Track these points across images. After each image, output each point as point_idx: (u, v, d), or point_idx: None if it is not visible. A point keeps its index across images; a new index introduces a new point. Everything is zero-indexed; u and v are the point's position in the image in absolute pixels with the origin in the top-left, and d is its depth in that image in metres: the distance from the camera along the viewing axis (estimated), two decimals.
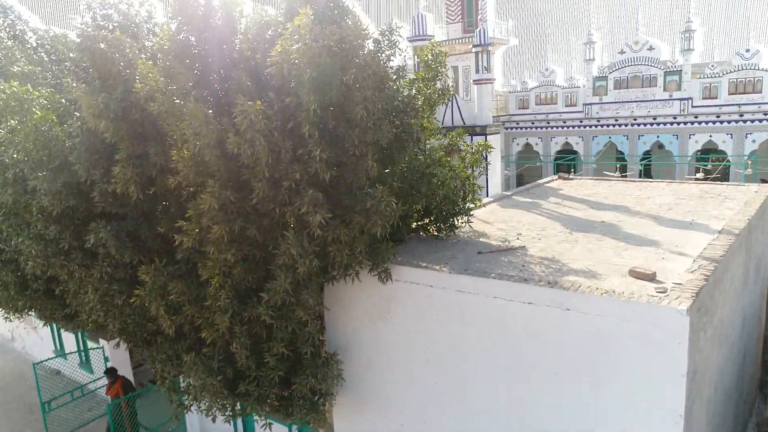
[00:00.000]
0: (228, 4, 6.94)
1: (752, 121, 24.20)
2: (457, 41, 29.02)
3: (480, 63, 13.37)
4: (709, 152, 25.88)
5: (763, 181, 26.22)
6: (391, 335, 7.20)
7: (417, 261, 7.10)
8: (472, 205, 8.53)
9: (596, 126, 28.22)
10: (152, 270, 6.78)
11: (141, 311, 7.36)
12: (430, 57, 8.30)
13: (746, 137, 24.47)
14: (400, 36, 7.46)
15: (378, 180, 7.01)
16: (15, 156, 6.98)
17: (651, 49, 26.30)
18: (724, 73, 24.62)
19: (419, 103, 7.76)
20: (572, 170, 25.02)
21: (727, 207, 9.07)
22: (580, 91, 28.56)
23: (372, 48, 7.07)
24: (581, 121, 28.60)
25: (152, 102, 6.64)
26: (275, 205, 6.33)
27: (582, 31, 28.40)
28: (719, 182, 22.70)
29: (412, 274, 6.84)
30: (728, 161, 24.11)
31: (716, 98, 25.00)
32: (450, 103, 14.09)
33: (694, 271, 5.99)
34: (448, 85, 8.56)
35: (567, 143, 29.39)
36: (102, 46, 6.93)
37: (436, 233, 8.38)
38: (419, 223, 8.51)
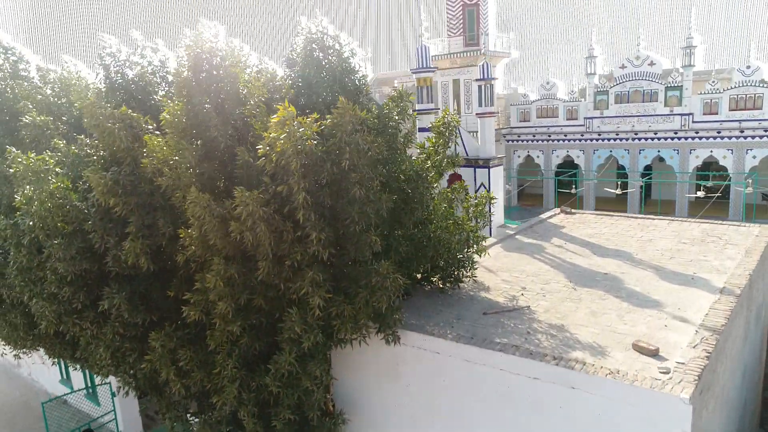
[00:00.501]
0: (233, 76, 7.04)
1: (753, 137, 24.28)
2: (458, 55, 29.13)
3: (483, 96, 13.44)
4: (710, 167, 25.98)
5: (765, 196, 26.39)
6: (397, 397, 7.32)
7: (424, 322, 7.21)
8: (476, 257, 8.61)
9: (597, 140, 28.30)
10: (162, 336, 6.89)
11: (151, 373, 7.48)
12: (442, 124, 8.36)
13: (747, 153, 24.56)
14: (410, 102, 7.57)
15: (385, 244, 7.12)
16: (31, 223, 7.09)
17: (652, 64, 26.37)
18: (725, 89, 24.69)
19: (430, 172, 7.81)
20: (573, 186, 25.12)
21: (728, 256, 9.17)
22: (581, 105, 28.64)
23: (375, 120, 7.20)
24: (582, 135, 28.69)
25: (160, 176, 6.78)
26: (279, 281, 6.45)
27: (583, 45, 28.43)
28: (720, 198, 22.79)
29: (420, 340, 6.95)
30: (729, 179, 24.18)
31: (717, 114, 25.09)
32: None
33: (696, 346, 6.10)
34: (457, 154, 8.62)
35: (568, 156, 29.48)
36: (109, 124, 7.04)
37: (441, 286, 8.48)
38: (424, 274, 8.61)
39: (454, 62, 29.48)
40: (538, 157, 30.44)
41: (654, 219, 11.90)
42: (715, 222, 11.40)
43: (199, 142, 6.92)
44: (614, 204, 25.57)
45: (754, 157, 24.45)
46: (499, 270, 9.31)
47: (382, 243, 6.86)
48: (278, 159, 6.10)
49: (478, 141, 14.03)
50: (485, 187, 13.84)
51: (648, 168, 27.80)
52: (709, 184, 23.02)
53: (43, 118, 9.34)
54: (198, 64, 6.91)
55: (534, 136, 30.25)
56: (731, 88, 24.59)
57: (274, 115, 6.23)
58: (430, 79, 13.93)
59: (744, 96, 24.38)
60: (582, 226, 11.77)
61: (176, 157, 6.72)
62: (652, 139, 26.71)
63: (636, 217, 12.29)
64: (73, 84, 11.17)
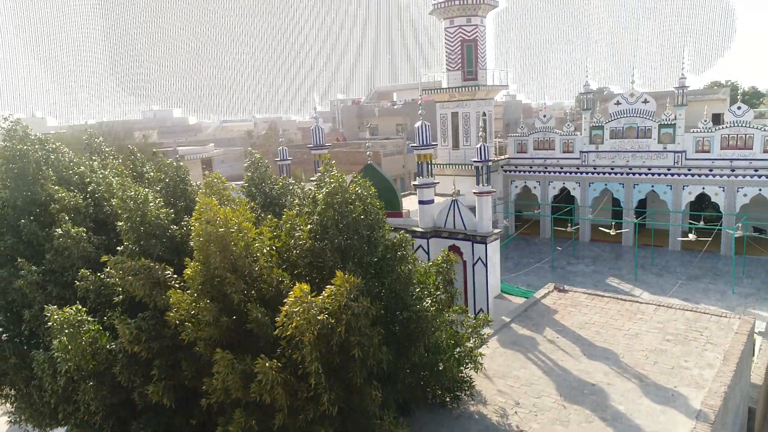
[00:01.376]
0: (243, 238, 7.69)
1: (743, 175, 24.93)
2: (456, 90, 29.71)
3: (480, 177, 14.09)
4: (702, 201, 26.63)
5: (756, 230, 27.10)
6: None
7: None
8: (473, 373, 9.26)
9: (593, 173, 28.94)
10: None
11: None
12: (444, 262, 8.93)
13: (738, 191, 25.22)
14: (410, 245, 8.22)
15: (391, 371, 7.81)
16: (67, 366, 7.78)
17: (646, 102, 26.98)
18: (717, 128, 25.33)
19: (431, 309, 8.42)
20: (569, 225, 25.78)
21: (707, 362, 9.87)
22: (577, 139, 29.26)
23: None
24: (578, 168, 29.33)
25: (182, 327, 7.49)
26: (294, 430, 7.18)
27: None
28: (711, 237, 23.39)
29: None
30: (721, 222, 24.84)
31: (709, 152, 25.74)
32: (451, 207, 14.81)
33: None
34: (456, 290, 9.20)
35: (564, 188, 30.11)
36: (130, 278, 7.73)
37: (443, 398, 9.17)
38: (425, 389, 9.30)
39: (453, 96, 30.05)
40: (535, 187, 31.08)
41: (641, 304, 12.60)
42: (698, 310, 12.09)
43: (213, 299, 7.60)
44: (610, 238, 26.24)
45: (745, 195, 25.10)
46: (495, 375, 10.02)
47: (388, 370, 7.57)
48: (294, 331, 6.82)
49: (475, 216, 14.72)
50: (482, 262, 14.54)
51: (643, 201, 28.46)
52: (701, 224, 23.70)
53: (77, 230, 9.91)
54: (209, 237, 7.54)
55: (531, 167, 30.88)
56: (722, 127, 25.23)
57: (291, 291, 6.94)
58: (430, 155, 14.58)
59: (735, 135, 25.02)
60: (574, 312, 12.47)
61: (197, 315, 7.41)
62: (646, 174, 27.36)
63: (624, 300, 12.97)
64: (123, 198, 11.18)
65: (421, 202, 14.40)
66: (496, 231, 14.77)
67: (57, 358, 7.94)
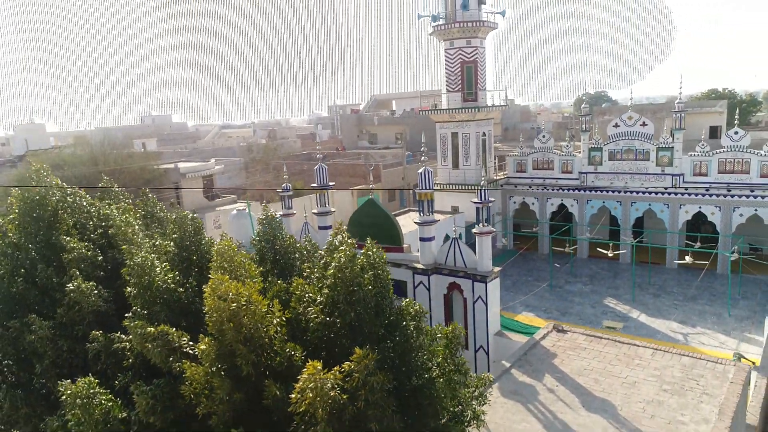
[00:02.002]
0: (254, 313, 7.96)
1: (740, 196, 25.25)
2: (456, 111, 30.03)
3: (480, 217, 14.38)
4: (699, 220, 26.91)
5: (752, 248, 27.44)
6: None
7: None
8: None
9: (591, 191, 29.25)
10: None
11: None
12: (451, 334, 9.14)
13: (734, 211, 25.55)
14: (425, 316, 8.51)
15: None
16: None
17: (644, 125, 27.30)
18: (714, 152, 25.65)
19: (441, 377, 8.65)
20: (567, 245, 26.05)
21: (703, 417, 10.17)
22: (575, 160, 29.58)
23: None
24: (576, 189, 29.63)
25: (197, 401, 7.75)
26: None
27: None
28: (706, 261, 23.71)
29: None
30: (716, 247, 25.16)
31: (707, 175, 26.05)
32: (451, 245, 15.10)
33: None
34: (464, 361, 9.34)
35: (562, 204, 30.42)
36: (148, 345, 8.01)
37: None
38: None
39: (453, 117, 30.39)
40: (533, 204, 31.38)
41: (638, 347, 12.90)
42: (695, 356, 12.40)
43: (226, 373, 7.87)
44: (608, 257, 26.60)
45: (741, 215, 25.43)
46: (496, 430, 10.31)
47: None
48: (307, 407, 7.09)
49: (476, 255, 15.01)
50: (483, 300, 14.83)
51: (640, 219, 28.79)
52: (697, 245, 24.02)
53: (86, 285, 10.20)
54: (221, 314, 7.81)
55: (530, 186, 31.18)
56: (720, 151, 25.54)
57: (304, 370, 7.21)
58: (431, 194, 14.85)
59: (732, 160, 25.35)
60: (573, 356, 12.76)
61: (211, 392, 7.69)
62: (644, 192, 27.67)
63: (622, 343, 13.27)
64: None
65: (422, 239, 14.70)
66: (497, 269, 15.06)
67: (71, 428, 8.21)
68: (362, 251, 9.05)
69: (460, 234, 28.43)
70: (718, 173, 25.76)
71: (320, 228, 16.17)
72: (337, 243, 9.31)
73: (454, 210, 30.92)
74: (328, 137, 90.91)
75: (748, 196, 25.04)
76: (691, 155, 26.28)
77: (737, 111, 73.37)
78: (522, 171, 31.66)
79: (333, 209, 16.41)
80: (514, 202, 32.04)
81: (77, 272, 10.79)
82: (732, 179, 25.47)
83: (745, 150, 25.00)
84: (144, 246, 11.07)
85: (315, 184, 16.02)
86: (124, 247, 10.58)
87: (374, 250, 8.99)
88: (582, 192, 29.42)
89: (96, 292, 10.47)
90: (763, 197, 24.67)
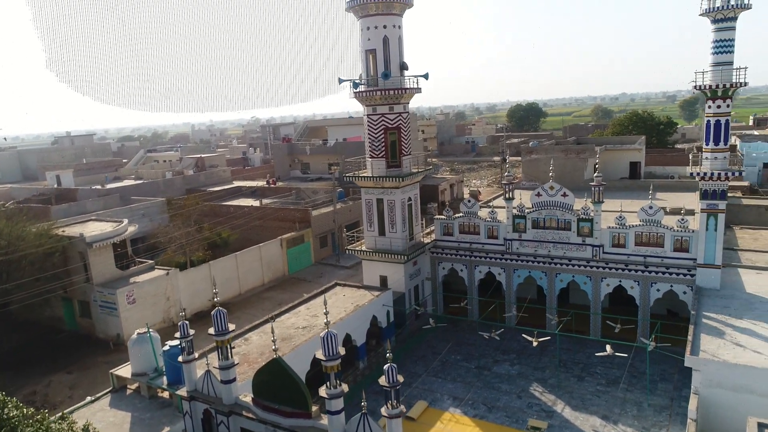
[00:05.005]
0: None
1: (656, 272, 25.79)
2: (381, 179, 29.19)
3: (390, 399, 13.19)
4: (620, 292, 27.28)
5: (669, 312, 28.15)
6: None
7: None
8: None
9: (517, 260, 29.20)
10: None
11: None
12: None
13: (651, 286, 26.08)
14: None
15: None
16: None
17: (565, 195, 27.42)
18: (631, 226, 26.07)
19: None
20: (493, 330, 25.70)
21: None
22: (501, 226, 29.44)
23: None
24: (503, 255, 29.52)
25: None
26: None
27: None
28: (626, 354, 23.95)
29: None
30: (636, 325, 25.57)
31: (625, 247, 26.46)
32: (361, 420, 13.76)
33: None
34: None
35: (490, 272, 30.25)
36: None
37: None
38: None
39: (378, 183, 29.53)
40: (461, 270, 31.05)
41: None
42: None
43: None
44: (537, 322, 26.51)
45: (658, 290, 26.00)
46: None
47: None
48: None
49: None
50: None
51: (565, 290, 29.03)
52: (617, 330, 24.26)
53: None
54: None
55: (457, 251, 30.82)
56: (636, 225, 25.98)
57: None
58: (337, 366, 13.58)
59: (648, 233, 25.84)
60: None
61: None
62: (567, 264, 27.85)
63: None
64: None
65: (329, 412, 13.49)
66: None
67: None
68: None
69: (388, 312, 28.11)
70: (635, 245, 26.22)
71: (223, 382, 14.75)
72: None
73: (383, 282, 30.10)
74: (261, 162, 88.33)
75: (664, 273, 25.58)
76: (609, 228, 26.63)
77: (655, 134, 76.72)
78: (449, 234, 31.26)
79: (236, 361, 14.99)
80: (443, 268, 31.62)
81: None
82: (648, 251, 25.98)
83: (659, 225, 25.53)
84: None
85: (212, 332, 14.53)
86: None
87: None
88: (509, 261, 29.33)
89: None
90: (677, 274, 25.26)
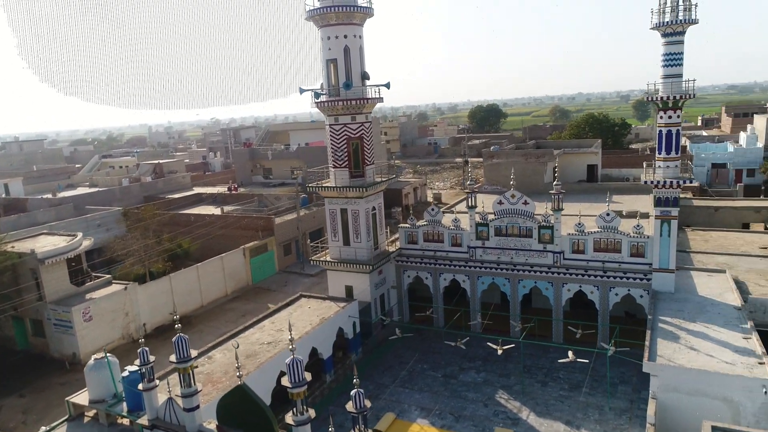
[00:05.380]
0: None
1: (614, 277, 26.55)
2: (344, 189, 29.07)
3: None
4: (581, 297, 27.95)
5: (627, 314, 28.99)
6: None
7: None
8: None
9: (480, 267, 29.57)
10: None
11: None
12: None
13: (610, 290, 26.83)
14: None
15: None
16: None
17: (526, 203, 27.91)
18: (589, 233, 26.74)
19: None
20: (459, 339, 25.95)
21: None
22: (464, 234, 29.73)
23: None
24: (467, 262, 29.83)
25: None
26: None
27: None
28: (586, 360, 24.56)
29: None
30: (597, 330, 26.28)
31: (584, 253, 27.13)
32: None
33: None
34: None
35: (455, 280, 30.53)
36: None
37: None
38: None
39: (341, 193, 29.40)
40: (426, 278, 31.25)
41: None
42: None
43: None
44: (502, 327, 26.99)
45: (617, 294, 26.77)
46: None
47: None
48: None
49: None
50: None
51: (528, 296, 29.57)
52: (578, 335, 24.88)
53: None
54: None
55: (422, 259, 30.99)
56: (594, 232, 26.67)
57: None
58: (304, 392, 13.41)
59: (606, 239, 26.56)
60: None
61: None
62: (529, 271, 28.38)
63: None
64: None
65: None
66: None
67: None
68: None
69: (354, 323, 28.02)
70: (594, 251, 26.91)
71: (186, 410, 14.37)
72: None
73: (348, 291, 30.00)
74: (222, 166, 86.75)
75: (621, 278, 26.36)
76: (569, 234, 27.25)
77: (611, 135, 78.96)
78: (414, 242, 31.38)
79: (200, 387, 14.62)
80: (408, 276, 31.75)
81: None
82: (606, 257, 26.70)
83: (616, 231, 26.27)
84: None
85: (174, 359, 14.14)
86: None
87: None
88: (473, 268, 29.67)
89: None
90: (634, 279, 26.06)
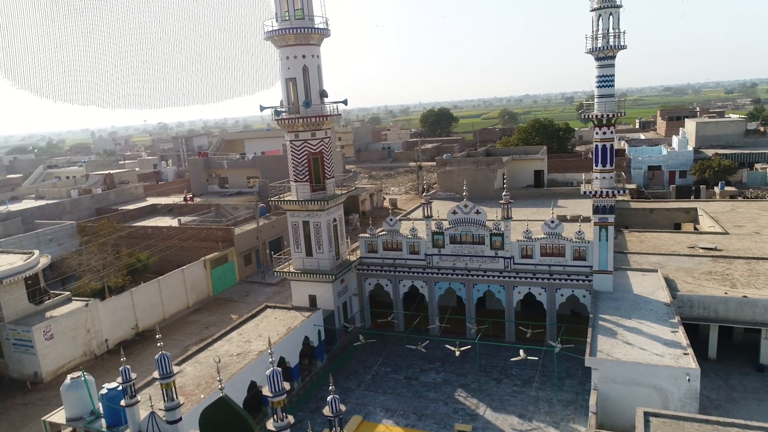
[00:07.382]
0: None
1: (560, 279, 28.80)
2: (306, 202, 30.18)
3: None
4: (530, 298, 30.09)
5: (572, 312, 31.25)
6: None
7: None
8: None
9: (437, 274, 31.29)
10: None
11: None
12: None
13: (556, 291, 29.08)
14: None
15: None
16: None
17: (478, 212, 29.83)
18: (536, 239, 28.90)
19: None
20: (419, 344, 27.54)
21: None
22: (421, 243, 31.39)
23: None
24: (424, 269, 31.49)
25: None
26: None
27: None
28: (536, 357, 26.59)
29: None
30: (545, 330, 28.44)
31: (532, 257, 29.27)
32: None
33: None
34: None
35: (414, 286, 32.15)
36: None
37: None
38: None
39: (303, 206, 30.48)
40: (387, 285, 32.76)
41: None
42: None
43: None
44: (459, 329, 28.80)
45: (562, 295, 29.05)
46: None
47: None
48: None
49: None
50: None
51: (482, 299, 31.51)
52: (528, 335, 26.96)
53: None
54: None
55: (382, 267, 32.47)
56: (541, 238, 28.85)
57: None
58: (283, 401, 14.51)
59: (551, 245, 28.78)
60: None
61: None
62: (483, 275, 30.33)
63: None
64: None
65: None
66: None
67: None
68: None
69: (319, 331, 29.20)
70: (541, 256, 29.09)
71: (169, 422, 15.25)
72: None
73: (312, 301, 31.13)
74: (175, 175, 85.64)
75: (566, 280, 28.63)
76: (518, 241, 29.33)
77: (557, 141, 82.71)
78: (374, 251, 32.80)
79: (182, 401, 15.53)
80: (369, 284, 33.14)
81: None
82: (552, 261, 28.93)
83: (560, 237, 28.52)
84: None
85: (157, 375, 15.02)
86: None
87: None
88: (430, 274, 31.37)
89: None
90: (578, 280, 28.38)
